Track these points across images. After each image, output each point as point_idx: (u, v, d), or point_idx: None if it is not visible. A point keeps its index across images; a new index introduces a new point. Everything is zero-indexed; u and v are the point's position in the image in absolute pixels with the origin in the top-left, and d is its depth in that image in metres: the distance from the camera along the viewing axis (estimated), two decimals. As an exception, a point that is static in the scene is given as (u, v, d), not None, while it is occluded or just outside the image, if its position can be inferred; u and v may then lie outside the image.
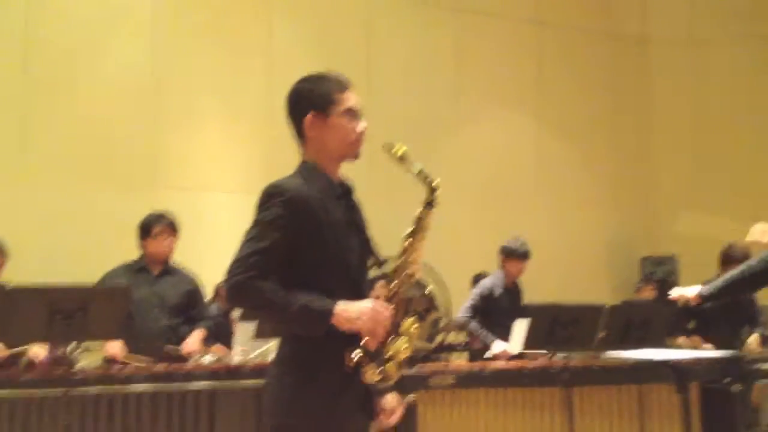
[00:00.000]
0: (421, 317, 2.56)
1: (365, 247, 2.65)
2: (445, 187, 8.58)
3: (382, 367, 2.48)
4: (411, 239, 2.61)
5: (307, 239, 2.47)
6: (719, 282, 4.14)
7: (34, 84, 7.70)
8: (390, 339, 2.49)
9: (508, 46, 10.34)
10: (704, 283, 4.31)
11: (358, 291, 2.53)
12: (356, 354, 2.45)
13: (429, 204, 2.65)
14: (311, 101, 2.60)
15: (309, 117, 2.59)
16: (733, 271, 4.11)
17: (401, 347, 2.50)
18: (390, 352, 2.49)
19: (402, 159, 2.64)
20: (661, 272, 9.97)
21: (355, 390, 2.48)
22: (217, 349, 6.35)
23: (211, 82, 8.48)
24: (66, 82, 7.88)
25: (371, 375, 2.47)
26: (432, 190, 2.66)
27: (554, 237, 9.78)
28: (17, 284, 4.36)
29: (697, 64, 10.77)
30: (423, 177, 2.66)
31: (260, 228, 2.45)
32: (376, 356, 2.47)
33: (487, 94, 10.07)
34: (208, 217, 8.03)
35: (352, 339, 2.47)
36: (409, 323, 2.53)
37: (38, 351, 4.52)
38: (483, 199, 9.83)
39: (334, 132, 2.59)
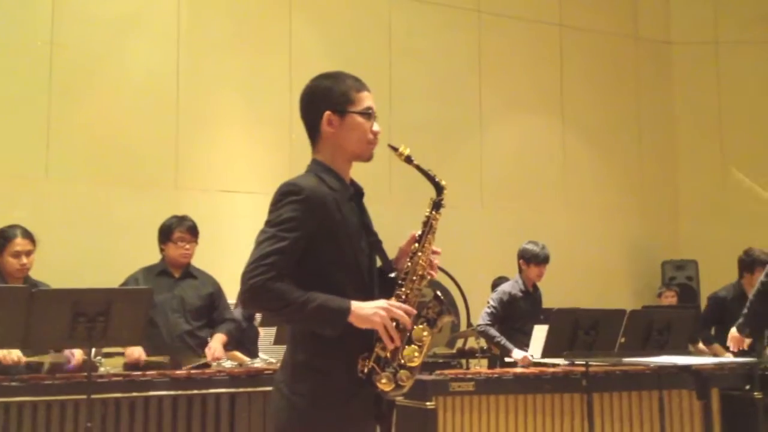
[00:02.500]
0: (431, 324, 2.52)
1: (375, 250, 2.62)
2: (466, 190, 8.62)
3: (395, 375, 2.46)
4: (420, 242, 2.57)
5: (322, 239, 2.45)
6: (745, 313, 4.19)
7: (59, 86, 7.77)
8: (402, 347, 2.47)
9: (531, 48, 10.31)
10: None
11: (370, 292, 2.52)
12: (369, 362, 2.44)
13: (437, 205, 2.63)
14: (330, 99, 2.57)
15: (327, 114, 2.55)
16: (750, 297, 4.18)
17: (413, 354, 2.48)
18: (402, 360, 2.47)
19: (408, 160, 2.60)
20: (681, 277, 9.91)
21: (366, 395, 2.47)
22: (234, 355, 6.39)
23: (233, 84, 8.53)
24: (90, 85, 7.94)
25: (384, 383, 2.45)
26: (440, 191, 2.63)
27: (575, 241, 9.75)
28: (41, 287, 4.43)
29: (720, 68, 10.70)
30: (430, 177, 2.62)
31: (276, 228, 2.41)
32: (388, 364, 2.46)
33: (509, 97, 10.05)
34: (229, 219, 8.07)
35: (365, 344, 2.46)
36: (420, 330, 2.50)
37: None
38: (504, 203, 9.82)
39: (351, 131, 2.56)
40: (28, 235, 4.62)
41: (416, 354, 2.48)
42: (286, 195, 2.45)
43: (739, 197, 10.01)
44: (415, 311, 2.48)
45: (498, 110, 9.99)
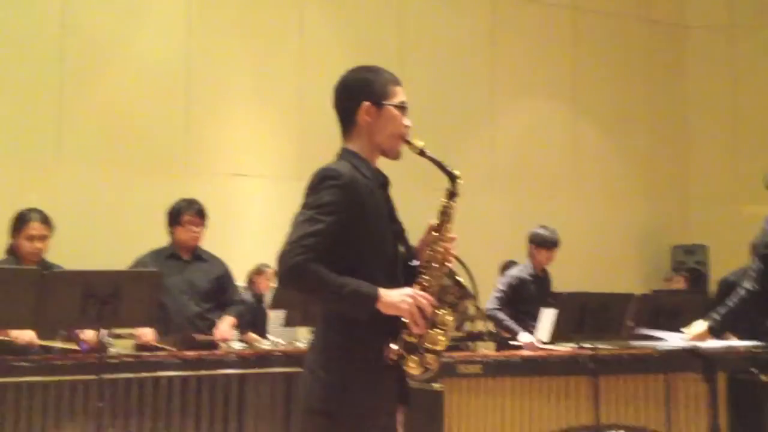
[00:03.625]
0: (454, 308, 2.59)
1: (399, 239, 2.69)
2: (477, 174, 8.60)
3: (422, 359, 2.54)
4: (438, 231, 2.64)
5: (356, 225, 2.52)
6: (722, 313, 4.15)
7: (69, 71, 7.81)
8: (427, 331, 2.54)
9: (543, 31, 10.27)
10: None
11: (396, 279, 2.58)
12: (398, 347, 2.51)
13: (451, 194, 2.68)
14: (369, 90, 2.64)
15: (366, 104, 2.62)
16: (731, 297, 4.12)
17: (438, 338, 2.55)
18: (428, 344, 2.54)
19: (422, 153, 2.66)
20: (691, 261, 9.90)
21: (393, 378, 2.55)
22: (248, 337, 6.43)
23: (243, 69, 8.54)
24: (101, 69, 7.99)
25: (413, 367, 2.53)
26: (453, 180, 2.68)
27: (586, 225, 9.75)
28: (54, 269, 4.48)
29: (735, 52, 10.63)
30: (443, 168, 2.68)
31: (315, 210, 2.48)
32: (415, 348, 2.53)
33: (521, 80, 10.03)
34: (239, 203, 8.11)
35: (393, 328, 2.53)
36: (443, 314, 2.57)
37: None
38: (515, 188, 9.82)
39: (387, 123, 2.64)
40: (45, 221, 4.66)
41: (441, 337, 2.56)
42: (324, 179, 2.52)
43: (750, 182, 9.96)
44: (436, 303, 2.55)
45: (509, 95, 9.98)
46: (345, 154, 2.66)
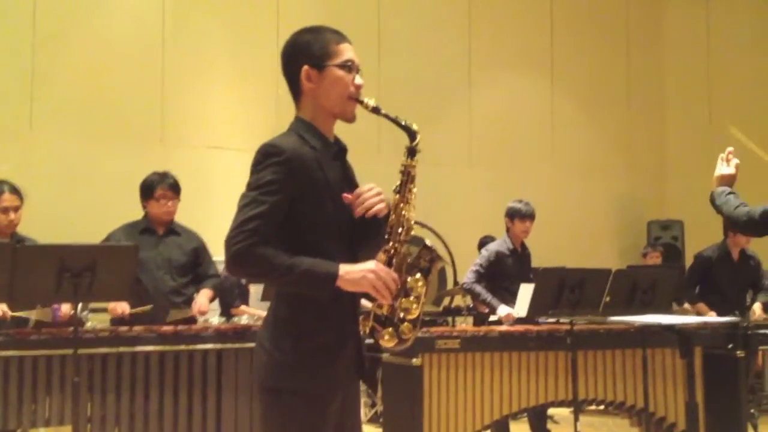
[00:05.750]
0: (426, 273, 2.48)
1: None
2: (454, 149, 8.56)
3: (396, 330, 2.46)
4: (400, 193, 2.50)
5: (304, 200, 2.40)
6: (725, 207, 3.91)
7: (43, 39, 7.67)
8: (399, 300, 2.45)
9: (521, 4, 10.25)
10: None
11: (353, 252, 2.49)
12: (369, 321, 2.45)
13: (412, 152, 2.52)
14: (308, 53, 2.50)
15: (305, 68, 2.49)
16: (739, 210, 3.87)
17: (411, 306, 2.46)
18: (401, 314, 2.46)
19: (376, 110, 2.51)
20: (667, 237, 9.96)
21: (350, 352, 2.47)
22: (239, 310, 6.39)
23: (221, 40, 8.44)
24: (75, 37, 7.85)
25: (387, 339, 2.46)
26: (413, 137, 2.51)
27: (563, 200, 9.79)
28: (26, 243, 4.41)
29: (711, 25, 10.64)
30: (400, 124, 2.51)
31: (257, 191, 2.36)
32: (388, 320, 2.46)
33: (499, 55, 10.00)
34: (216, 175, 8.04)
35: (351, 302, 2.45)
36: (414, 281, 2.47)
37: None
38: (492, 162, 9.82)
39: (332, 85, 2.49)
40: (15, 191, 4.60)
41: (414, 306, 2.47)
42: (266, 156, 2.40)
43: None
44: (402, 277, 2.44)
45: (487, 68, 9.95)
46: (295, 124, 2.54)
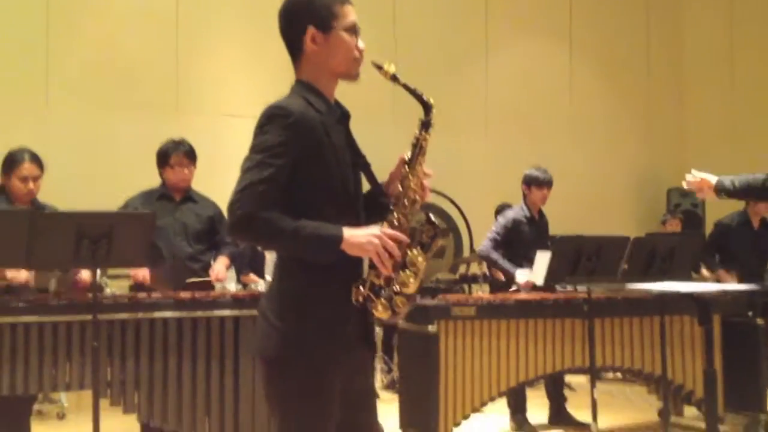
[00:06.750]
0: (426, 248, 2.42)
1: (365, 172, 2.55)
2: (471, 116, 8.50)
3: (390, 302, 2.40)
4: (410, 164, 2.46)
5: (310, 164, 2.35)
6: (738, 182, 3.92)
7: (57, 11, 7.66)
8: (397, 273, 2.39)
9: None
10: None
11: (357, 217, 2.46)
12: (364, 289, 2.39)
13: (425, 124, 2.48)
14: (312, 14, 2.43)
15: (311, 30, 2.42)
16: (756, 177, 3.89)
17: (408, 280, 2.39)
18: (397, 286, 2.40)
19: (394, 78, 2.47)
20: (687, 204, 9.89)
21: (357, 323, 2.42)
22: (249, 278, 6.41)
23: (234, 7, 8.39)
24: (89, 9, 7.84)
25: (380, 310, 2.39)
26: (428, 110, 2.48)
27: (581, 168, 9.73)
28: (47, 210, 4.44)
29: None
30: (417, 96, 2.48)
31: (263, 154, 2.31)
32: (383, 291, 2.40)
33: (516, 21, 9.90)
34: (230, 143, 8.01)
35: (355, 272, 2.41)
36: (414, 255, 2.40)
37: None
38: (509, 130, 9.75)
39: (337, 48, 2.44)
40: (36, 160, 4.60)
41: (411, 279, 2.40)
42: (272, 119, 2.35)
43: (746, 124, 9.92)
44: (407, 239, 2.40)
45: (504, 35, 9.85)
46: (298, 87, 2.48)
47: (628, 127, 10.45)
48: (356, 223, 2.41)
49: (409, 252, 2.40)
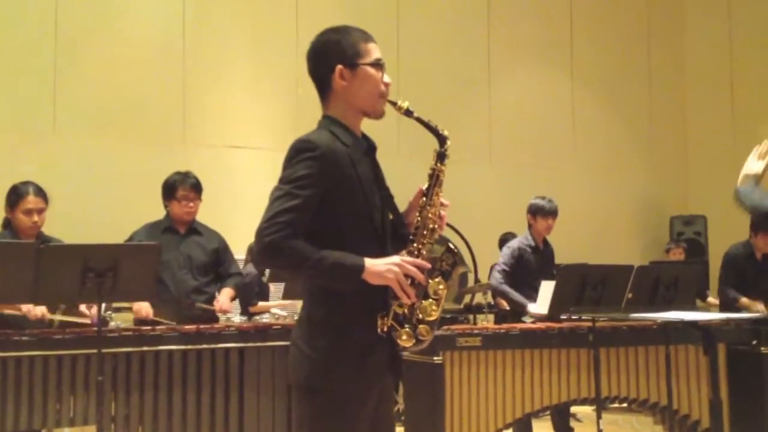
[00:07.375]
0: (446, 276, 2.51)
1: (388, 205, 2.62)
2: (474, 144, 8.51)
3: (414, 331, 2.47)
4: (428, 195, 2.56)
5: (336, 196, 2.45)
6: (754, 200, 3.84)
7: (65, 41, 7.73)
8: (419, 301, 2.48)
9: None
10: None
11: (384, 247, 2.53)
12: (388, 320, 2.46)
13: (441, 156, 2.59)
14: (340, 53, 2.54)
15: (339, 68, 2.53)
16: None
17: (430, 308, 2.48)
18: (420, 315, 2.48)
19: (408, 113, 2.57)
20: (690, 232, 9.88)
21: (384, 350, 2.49)
22: (258, 307, 6.41)
23: (240, 40, 8.46)
24: (97, 40, 7.90)
25: (405, 339, 2.47)
26: (443, 142, 2.59)
27: (584, 196, 9.74)
28: (49, 242, 4.44)
29: (733, 19, 10.55)
30: (432, 129, 2.59)
31: (291, 185, 2.40)
32: (407, 320, 2.47)
33: (518, 48, 9.96)
34: (237, 175, 8.07)
35: (382, 300, 2.47)
36: (436, 284, 2.50)
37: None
38: (513, 157, 9.78)
39: (364, 83, 2.54)
40: (40, 193, 4.62)
41: (434, 308, 2.49)
42: (300, 152, 2.44)
43: (748, 152, 9.92)
44: (429, 265, 2.48)
45: (507, 62, 9.91)
46: (325, 122, 2.58)
47: (630, 156, 10.48)
48: (383, 253, 2.49)
49: (430, 280, 2.49)
